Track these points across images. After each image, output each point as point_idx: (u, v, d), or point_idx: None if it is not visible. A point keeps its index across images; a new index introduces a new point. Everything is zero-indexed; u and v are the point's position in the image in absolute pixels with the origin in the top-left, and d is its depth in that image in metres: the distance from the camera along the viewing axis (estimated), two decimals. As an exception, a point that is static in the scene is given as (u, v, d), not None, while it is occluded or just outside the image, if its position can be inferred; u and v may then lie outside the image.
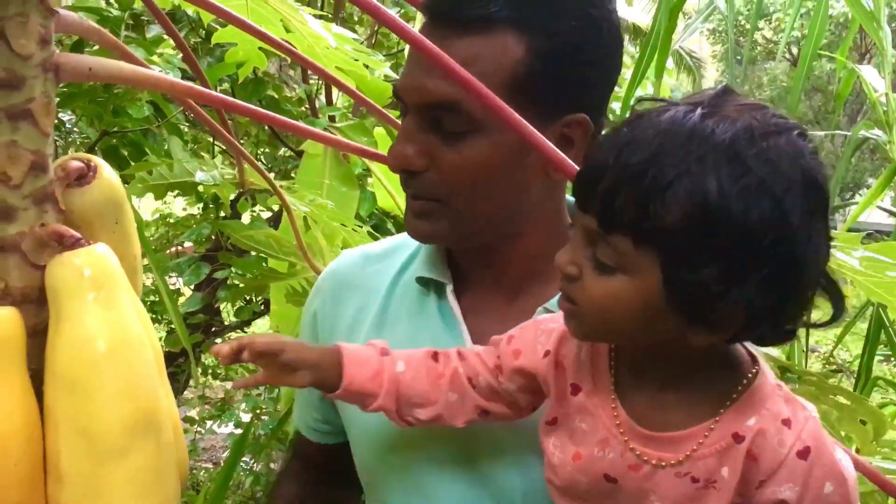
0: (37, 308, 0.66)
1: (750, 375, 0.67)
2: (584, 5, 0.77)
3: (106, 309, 0.65)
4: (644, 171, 0.59)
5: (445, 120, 0.76)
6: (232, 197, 3.31)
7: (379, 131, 2.07)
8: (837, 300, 0.65)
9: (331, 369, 0.75)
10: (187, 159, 1.34)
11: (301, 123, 0.90)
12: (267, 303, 3.51)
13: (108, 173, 0.71)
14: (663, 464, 0.67)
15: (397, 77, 0.91)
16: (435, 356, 0.78)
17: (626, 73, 2.23)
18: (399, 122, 0.97)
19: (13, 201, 0.65)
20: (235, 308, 3.28)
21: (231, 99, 0.79)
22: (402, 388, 0.76)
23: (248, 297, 3.33)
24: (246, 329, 3.26)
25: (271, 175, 1.66)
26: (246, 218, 2.91)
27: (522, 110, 0.71)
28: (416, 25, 0.89)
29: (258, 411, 3.24)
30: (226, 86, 2.44)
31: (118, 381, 0.64)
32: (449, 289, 0.86)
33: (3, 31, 0.61)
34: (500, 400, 0.77)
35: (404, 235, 1.02)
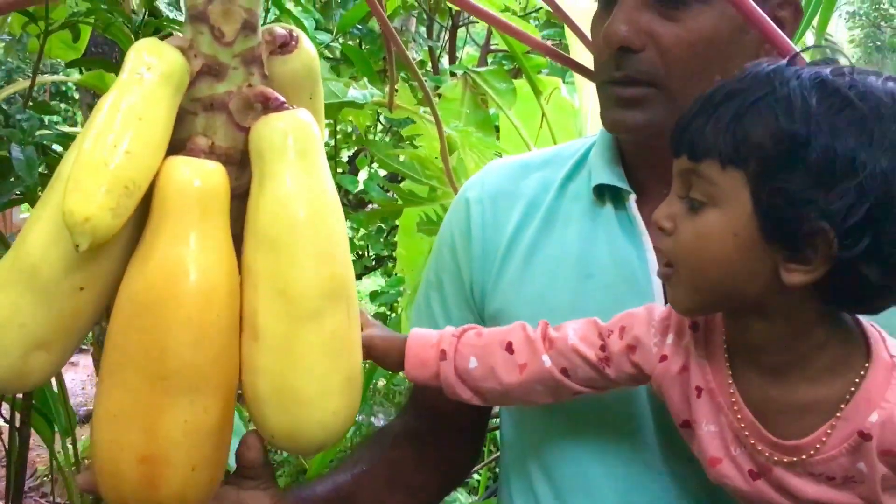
0: (238, 171, 0.66)
1: (867, 365, 0.63)
2: None
3: (307, 173, 0.65)
4: (731, 97, 0.62)
5: None
6: (349, 153, 3.35)
7: (519, 82, 2.04)
8: None
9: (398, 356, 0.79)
10: (334, 78, 1.34)
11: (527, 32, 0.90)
12: (379, 259, 3.54)
13: (308, 45, 0.71)
14: (794, 460, 0.65)
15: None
16: (510, 347, 0.76)
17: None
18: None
19: (224, 59, 0.65)
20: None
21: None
22: (474, 382, 0.77)
23: (359, 252, 3.37)
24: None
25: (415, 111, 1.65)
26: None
27: None
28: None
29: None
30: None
31: (317, 244, 0.64)
32: (632, 198, 0.82)
33: None
34: (596, 387, 0.74)
35: (560, 146, 0.99)
